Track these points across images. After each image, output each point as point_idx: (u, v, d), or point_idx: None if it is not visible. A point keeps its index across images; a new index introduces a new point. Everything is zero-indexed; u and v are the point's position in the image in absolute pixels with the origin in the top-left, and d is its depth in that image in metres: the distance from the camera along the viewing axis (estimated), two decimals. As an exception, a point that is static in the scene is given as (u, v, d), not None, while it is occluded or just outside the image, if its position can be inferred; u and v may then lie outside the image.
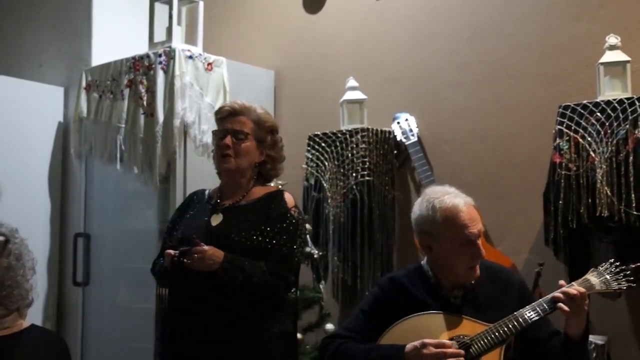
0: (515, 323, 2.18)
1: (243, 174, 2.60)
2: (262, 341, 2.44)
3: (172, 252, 2.42)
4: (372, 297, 2.41)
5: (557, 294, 2.17)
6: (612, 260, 2.29)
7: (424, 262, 2.40)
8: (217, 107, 3.62)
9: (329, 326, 3.34)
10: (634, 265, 2.23)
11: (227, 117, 2.59)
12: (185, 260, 2.37)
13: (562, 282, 2.23)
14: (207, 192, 2.69)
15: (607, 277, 2.23)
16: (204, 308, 2.43)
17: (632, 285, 2.21)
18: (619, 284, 2.21)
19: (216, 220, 2.53)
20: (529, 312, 2.18)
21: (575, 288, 2.16)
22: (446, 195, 2.29)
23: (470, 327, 2.22)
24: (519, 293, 2.34)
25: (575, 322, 2.17)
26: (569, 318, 2.16)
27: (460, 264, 2.27)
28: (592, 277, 2.23)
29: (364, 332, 2.31)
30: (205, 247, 2.38)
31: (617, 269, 2.24)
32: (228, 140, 2.55)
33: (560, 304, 2.13)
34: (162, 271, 2.53)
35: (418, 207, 2.35)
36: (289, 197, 2.59)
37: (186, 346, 2.45)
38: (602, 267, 2.27)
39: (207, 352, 2.42)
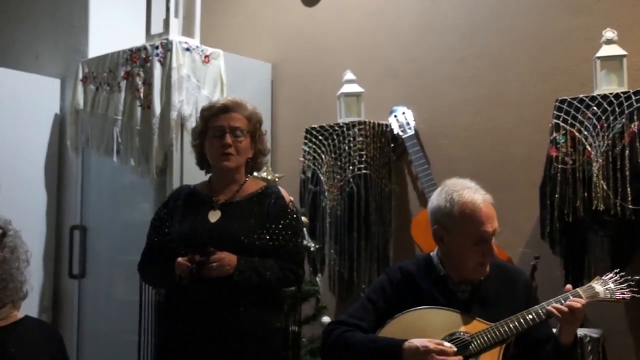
0: (517, 324, 2.18)
1: (239, 171, 2.60)
2: (262, 335, 2.45)
3: (184, 261, 2.38)
4: (380, 285, 2.39)
5: (559, 305, 2.17)
6: (617, 270, 2.30)
7: (433, 253, 2.39)
8: (214, 100, 3.63)
9: (325, 319, 3.34)
10: (638, 277, 2.25)
11: (219, 113, 2.56)
12: (203, 271, 2.35)
13: (569, 286, 2.24)
14: (192, 187, 2.66)
15: (612, 286, 2.24)
16: (203, 304, 2.42)
17: (637, 296, 2.22)
18: (622, 294, 2.22)
19: (214, 216, 2.52)
20: (532, 314, 2.19)
21: (578, 301, 2.16)
22: (466, 190, 2.27)
23: (472, 325, 2.22)
24: (526, 293, 2.33)
25: (569, 330, 2.18)
26: (563, 326, 2.18)
27: (471, 260, 2.26)
28: (596, 285, 2.24)
29: (369, 320, 2.30)
30: (222, 255, 2.37)
31: (622, 279, 2.25)
32: (228, 138, 2.52)
33: (557, 314, 2.14)
34: (168, 278, 2.47)
35: (436, 198, 2.33)
36: (284, 192, 2.60)
37: (186, 341, 2.45)
38: (607, 276, 2.28)
39: (207, 346, 2.42)
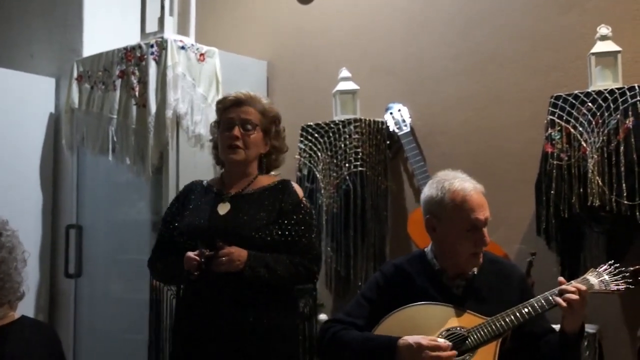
0: (513, 317, 2.18)
1: (249, 165, 2.58)
2: (273, 334, 2.43)
3: (194, 256, 2.37)
4: (375, 282, 2.40)
5: (558, 294, 2.16)
6: (611, 261, 2.29)
7: (427, 248, 2.40)
8: (210, 99, 3.65)
9: (322, 316, 3.35)
10: (632, 268, 2.24)
11: (231, 106, 2.56)
12: (213, 265, 2.34)
13: (561, 279, 2.23)
14: (205, 183, 2.66)
15: (606, 277, 2.24)
16: (212, 300, 2.41)
17: (631, 287, 2.21)
18: (617, 286, 2.22)
19: (223, 209, 2.51)
20: (527, 308, 2.19)
21: (575, 285, 2.16)
22: (456, 179, 2.30)
23: (468, 320, 2.22)
24: (520, 287, 2.34)
25: (573, 319, 2.17)
26: (566, 315, 2.16)
27: (463, 249, 2.27)
28: (591, 277, 2.24)
29: (364, 318, 2.31)
30: (232, 249, 2.36)
31: (616, 271, 2.25)
32: (237, 131, 2.51)
33: (560, 300, 2.13)
34: (177, 273, 2.45)
35: (428, 188, 2.35)
36: (297, 188, 2.58)
37: (194, 340, 2.44)
38: (601, 268, 2.28)
39: (214, 345, 2.41)
